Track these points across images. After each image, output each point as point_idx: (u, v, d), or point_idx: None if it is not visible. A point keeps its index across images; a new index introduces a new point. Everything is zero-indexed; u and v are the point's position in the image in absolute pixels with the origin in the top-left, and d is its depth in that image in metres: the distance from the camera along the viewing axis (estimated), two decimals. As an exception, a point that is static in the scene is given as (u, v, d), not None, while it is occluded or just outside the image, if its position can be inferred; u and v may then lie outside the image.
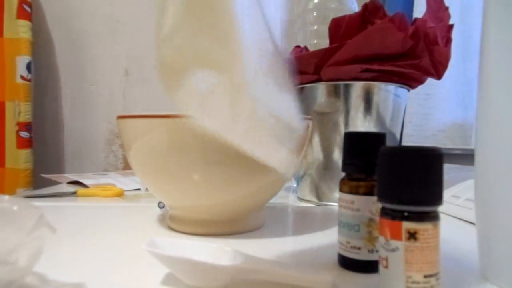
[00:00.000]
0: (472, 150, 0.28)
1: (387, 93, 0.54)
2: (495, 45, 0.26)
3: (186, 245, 0.27)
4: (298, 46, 0.67)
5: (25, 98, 1.23)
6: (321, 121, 0.55)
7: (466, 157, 0.92)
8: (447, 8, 0.53)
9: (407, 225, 0.21)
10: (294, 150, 0.24)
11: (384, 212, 0.23)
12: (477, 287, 0.26)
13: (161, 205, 0.52)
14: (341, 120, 0.54)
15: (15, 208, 0.22)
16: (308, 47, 0.67)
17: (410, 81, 0.55)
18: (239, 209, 0.39)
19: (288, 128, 0.24)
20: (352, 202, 0.28)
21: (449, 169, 0.67)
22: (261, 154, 0.24)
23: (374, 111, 0.54)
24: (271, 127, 0.24)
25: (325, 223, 0.46)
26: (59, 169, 1.34)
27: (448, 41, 0.52)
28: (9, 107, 1.23)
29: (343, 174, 0.30)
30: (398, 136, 0.58)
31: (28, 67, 1.23)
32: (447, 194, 0.52)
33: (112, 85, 1.37)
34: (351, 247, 0.28)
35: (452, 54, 0.52)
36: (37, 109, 1.32)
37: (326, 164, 0.56)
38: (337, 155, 0.55)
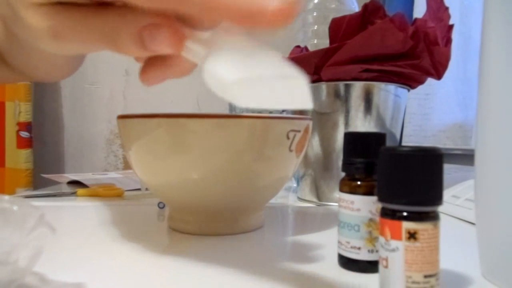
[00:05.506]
0: (472, 150, 0.28)
1: (387, 93, 0.54)
2: (495, 45, 0.26)
3: None
4: (298, 46, 0.67)
5: (25, 98, 1.23)
6: (321, 121, 0.55)
7: (466, 157, 0.92)
8: (447, 8, 0.53)
9: (407, 225, 0.21)
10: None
11: (384, 212, 0.23)
12: (477, 287, 0.26)
13: (161, 205, 0.52)
14: (341, 120, 0.54)
15: (15, 208, 0.22)
16: (308, 47, 0.67)
17: (410, 81, 0.55)
18: (239, 209, 0.39)
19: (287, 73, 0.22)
20: (352, 202, 0.28)
21: (449, 169, 0.67)
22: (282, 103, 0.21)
23: (374, 111, 0.54)
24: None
25: (325, 223, 0.46)
26: (59, 169, 1.34)
27: (448, 41, 0.52)
28: (9, 107, 1.23)
29: (343, 174, 0.30)
30: (398, 136, 0.58)
31: (28, 67, 1.23)
32: (447, 194, 0.52)
33: (112, 85, 1.37)
34: (351, 247, 0.28)
35: (452, 54, 0.52)
36: (37, 109, 1.32)
37: (326, 164, 0.56)
38: (337, 155, 0.55)
